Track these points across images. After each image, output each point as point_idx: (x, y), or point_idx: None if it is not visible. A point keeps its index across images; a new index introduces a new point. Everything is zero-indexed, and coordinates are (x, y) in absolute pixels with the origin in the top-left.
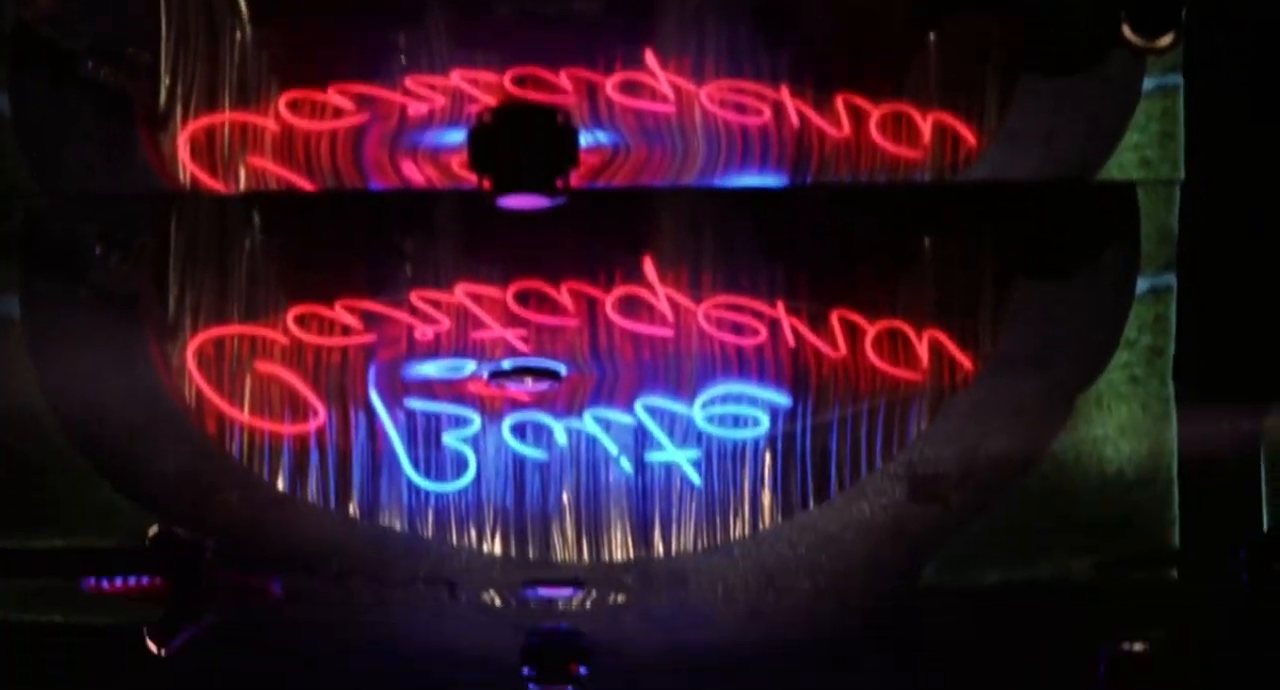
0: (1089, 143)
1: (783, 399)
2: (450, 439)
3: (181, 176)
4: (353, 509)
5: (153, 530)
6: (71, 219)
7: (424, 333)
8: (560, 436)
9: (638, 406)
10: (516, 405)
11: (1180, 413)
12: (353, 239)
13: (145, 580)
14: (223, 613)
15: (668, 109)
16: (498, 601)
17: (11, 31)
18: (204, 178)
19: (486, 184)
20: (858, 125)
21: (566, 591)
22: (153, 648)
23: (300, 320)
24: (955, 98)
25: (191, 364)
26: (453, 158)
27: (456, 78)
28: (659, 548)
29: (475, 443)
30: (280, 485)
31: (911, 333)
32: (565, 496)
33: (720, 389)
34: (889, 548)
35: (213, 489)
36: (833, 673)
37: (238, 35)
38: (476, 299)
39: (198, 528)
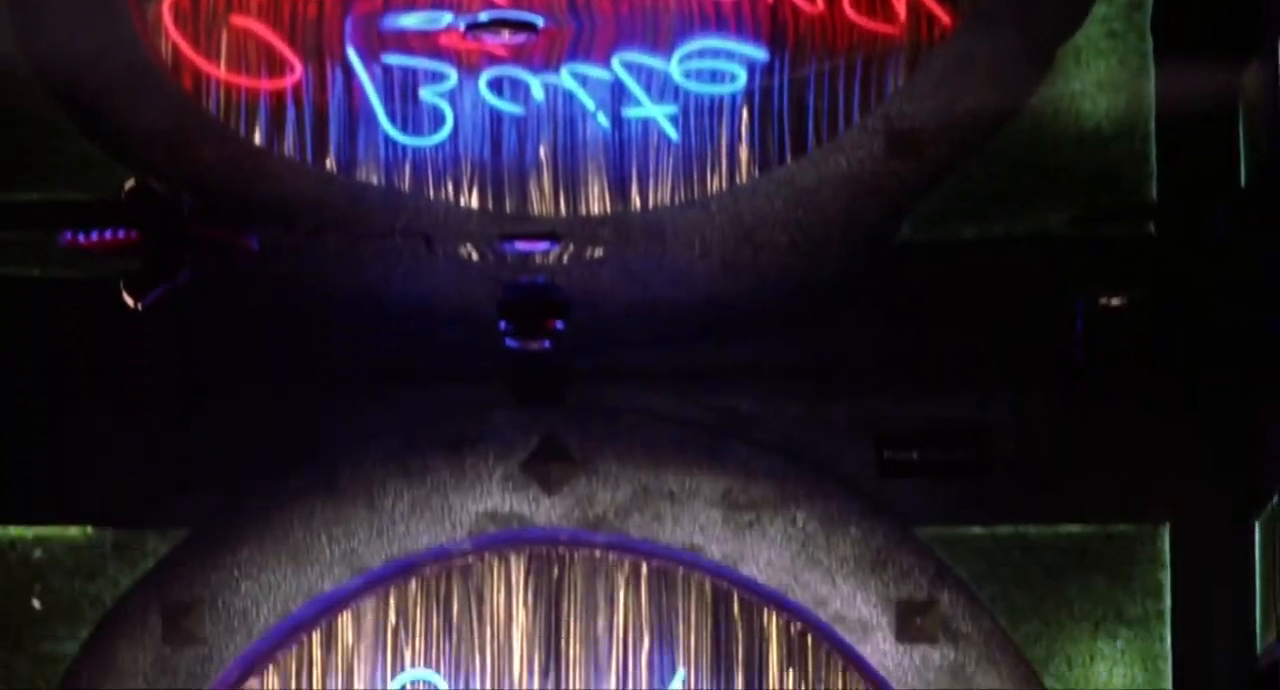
0: None
1: (760, 54)
2: (427, 94)
3: None
4: (330, 164)
5: (129, 183)
6: None
7: None
8: (537, 91)
9: (615, 62)
10: (493, 60)
11: (1158, 67)
12: None
13: (121, 234)
14: (199, 267)
15: None
16: (474, 255)
17: None
18: None
19: None
20: None
21: (543, 245)
22: (129, 301)
23: None
24: None
25: (167, 18)
26: None
27: None
28: (635, 202)
29: (452, 98)
30: (257, 141)
31: None
32: (542, 151)
33: (697, 44)
34: (866, 202)
35: (189, 145)
36: (809, 328)
37: None
38: None
39: (175, 184)
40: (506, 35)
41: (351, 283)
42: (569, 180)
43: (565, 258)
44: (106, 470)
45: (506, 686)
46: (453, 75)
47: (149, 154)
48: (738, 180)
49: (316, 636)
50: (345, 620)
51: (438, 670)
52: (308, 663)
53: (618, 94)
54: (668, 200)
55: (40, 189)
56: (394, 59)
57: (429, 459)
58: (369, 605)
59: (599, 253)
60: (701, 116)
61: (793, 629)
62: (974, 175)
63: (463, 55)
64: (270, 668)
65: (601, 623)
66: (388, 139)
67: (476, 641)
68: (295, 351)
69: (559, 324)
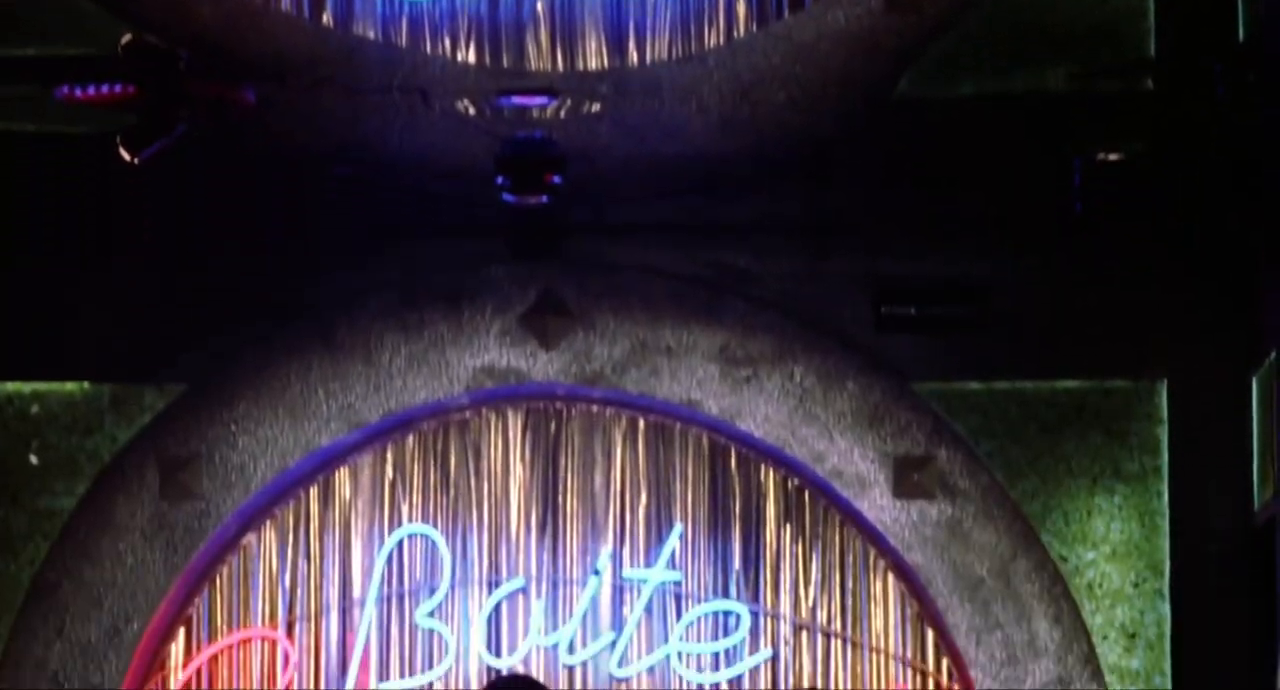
0: None
1: None
2: None
3: None
4: (326, 18)
5: (126, 38)
6: None
7: None
8: None
9: None
10: None
11: None
12: None
13: (118, 89)
14: (195, 123)
15: None
16: (472, 110)
17: None
18: None
19: None
20: None
21: (540, 100)
22: (125, 156)
23: None
24: None
25: None
26: None
27: None
28: (633, 57)
29: None
30: None
31: None
32: (539, 5)
33: None
34: (863, 58)
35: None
36: (807, 184)
37: None
38: None
39: (171, 40)
40: None
41: (348, 138)
42: (566, 35)
43: (562, 112)
44: (103, 325)
45: (503, 541)
46: None
47: (146, 9)
48: (735, 35)
49: (314, 491)
50: (342, 475)
51: (434, 525)
52: (305, 517)
53: None
54: (665, 55)
55: (36, 44)
56: None
57: (426, 314)
58: (366, 460)
59: (596, 108)
60: None
61: (790, 484)
62: (971, 31)
63: None
64: (267, 522)
65: (599, 478)
66: None
67: (474, 497)
68: (291, 207)
69: (556, 178)
